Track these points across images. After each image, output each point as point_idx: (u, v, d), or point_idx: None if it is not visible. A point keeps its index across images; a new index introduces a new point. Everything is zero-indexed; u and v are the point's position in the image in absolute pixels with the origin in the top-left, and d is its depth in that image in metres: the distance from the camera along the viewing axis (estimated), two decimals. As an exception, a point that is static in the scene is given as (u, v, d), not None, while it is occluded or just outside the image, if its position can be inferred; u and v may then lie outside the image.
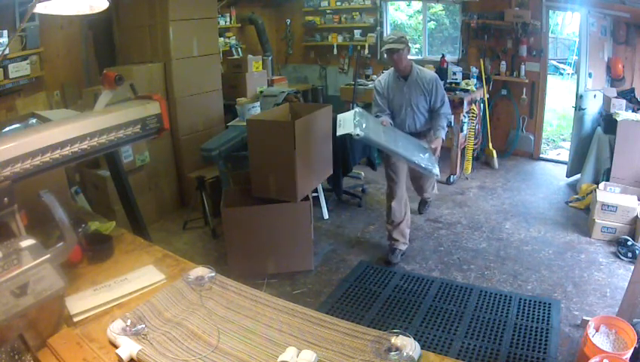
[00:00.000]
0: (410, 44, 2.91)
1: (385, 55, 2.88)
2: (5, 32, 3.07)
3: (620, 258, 3.07)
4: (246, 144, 3.31)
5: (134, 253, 1.49)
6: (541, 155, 5.22)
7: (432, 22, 6.10)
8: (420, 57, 5.89)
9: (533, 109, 5.04)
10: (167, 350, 0.98)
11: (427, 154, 2.84)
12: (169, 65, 3.76)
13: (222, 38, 5.29)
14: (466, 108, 4.41)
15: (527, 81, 4.93)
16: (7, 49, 3.06)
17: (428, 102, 2.96)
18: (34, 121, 1.56)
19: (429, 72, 3.00)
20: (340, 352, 0.97)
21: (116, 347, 0.98)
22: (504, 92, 5.10)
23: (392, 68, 2.94)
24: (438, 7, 5.94)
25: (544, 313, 2.53)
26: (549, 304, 2.61)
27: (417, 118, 3.00)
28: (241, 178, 3.36)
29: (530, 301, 2.64)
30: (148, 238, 1.77)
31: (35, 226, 1.17)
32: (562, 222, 3.66)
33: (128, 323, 1.05)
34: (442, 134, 2.94)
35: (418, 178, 3.40)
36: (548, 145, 5.83)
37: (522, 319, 2.49)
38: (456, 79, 4.68)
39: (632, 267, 2.31)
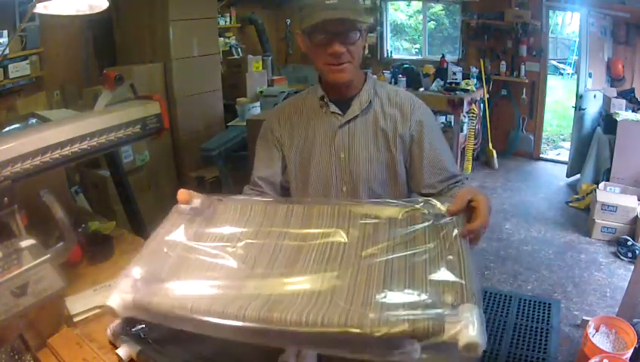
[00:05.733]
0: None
1: (311, 39, 1.11)
2: (5, 32, 3.07)
3: (620, 258, 3.07)
4: (246, 144, 3.31)
5: (134, 253, 1.48)
6: (541, 155, 5.22)
7: (432, 22, 6.09)
8: (419, 57, 5.89)
9: (533, 109, 5.04)
10: (167, 350, 0.98)
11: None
12: (169, 65, 3.75)
13: (222, 38, 5.28)
14: (466, 108, 4.41)
15: (527, 81, 4.92)
16: (7, 49, 3.05)
17: (401, 165, 1.21)
18: (34, 121, 1.55)
19: (402, 91, 1.28)
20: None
21: (116, 347, 0.98)
22: (504, 92, 5.10)
23: (314, 85, 1.27)
24: (438, 7, 5.94)
25: (544, 313, 2.53)
26: (549, 304, 2.60)
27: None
28: (241, 178, 3.36)
29: (530, 301, 2.64)
30: (148, 238, 1.76)
31: (35, 226, 1.17)
32: (562, 222, 3.66)
33: (128, 323, 1.04)
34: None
35: None
36: (548, 145, 5.83)
37: (522, 319, 2.49)
38: (456, 79, 4.68)
39: (632, 267, 2.31)
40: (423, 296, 0.70)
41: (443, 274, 0.73)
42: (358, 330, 0.65)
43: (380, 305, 0.70)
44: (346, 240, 0.87)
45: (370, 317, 0.67)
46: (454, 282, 0.71)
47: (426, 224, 0.85)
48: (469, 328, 0.62)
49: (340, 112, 1.20)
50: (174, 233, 0.95)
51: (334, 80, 1.15)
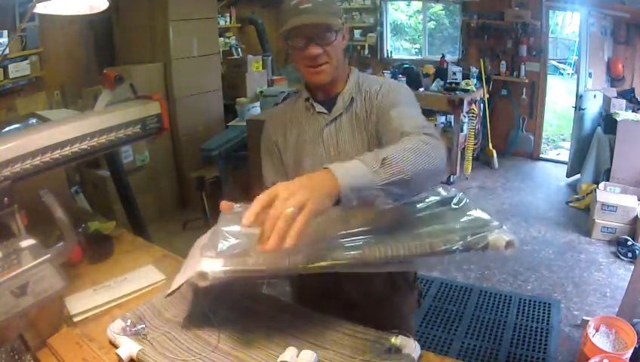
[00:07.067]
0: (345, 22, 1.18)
1: (289, 43, 1.14)
2: (5, 32, 3.07)
3: (620, 258, 3.07)
4: (246, 144, 3.32)
5: (134, 253, 1.49)
6: (541, 155, 5.22)
7: (432, 22, 6.10)
8: (419, 57, 5.89)
9: (533, 109, 5.04)
10: (167, 350, 0.98)
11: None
12: (169, 65, 3.76)
13: (222, 38, 5.28)
14: (466, 108, 4.41)
15: (527, 81, 4.93)
16: (7, 49, 3.06)
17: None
18: (34, 121, 1.55)
19: (375, 78, 1.31)
20: (339, 352, 0.97)
21: (116, 347, 0.98)
22: (504, 92, 5.10)
23: (301, 90, 1.30)
24: (438, 7, 5.94)
25: (544, 313, 2.53)
26: (549, 304, 2.61)
27: None
28: (241, 178, 3.37)
29: (530, 301, 2.64)
30: (148, 238, 1.77)
31: (35, 226, 1.17)
32: (562, 222, 3.66)
33: (128, 323, 1.04)
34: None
35: None
36: (548, 145, 5.83)
37: (522, 319, 2.49)
38: (456, 79, 4.68)
39: (632, 267, 2.31)
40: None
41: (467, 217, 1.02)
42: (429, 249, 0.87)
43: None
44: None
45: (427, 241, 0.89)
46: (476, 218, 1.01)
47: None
48: (505, 233, 0.89)
49: (325, 111, 1.23)
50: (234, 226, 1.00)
51: (314, 81, 1.19)
